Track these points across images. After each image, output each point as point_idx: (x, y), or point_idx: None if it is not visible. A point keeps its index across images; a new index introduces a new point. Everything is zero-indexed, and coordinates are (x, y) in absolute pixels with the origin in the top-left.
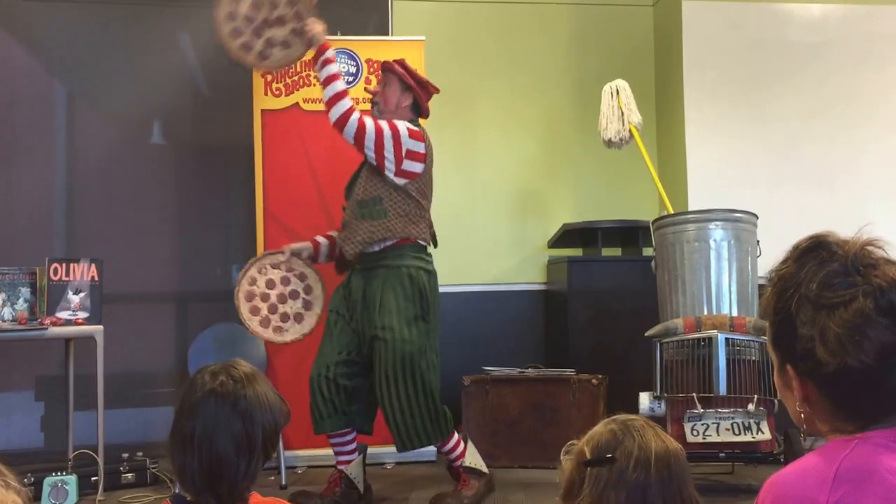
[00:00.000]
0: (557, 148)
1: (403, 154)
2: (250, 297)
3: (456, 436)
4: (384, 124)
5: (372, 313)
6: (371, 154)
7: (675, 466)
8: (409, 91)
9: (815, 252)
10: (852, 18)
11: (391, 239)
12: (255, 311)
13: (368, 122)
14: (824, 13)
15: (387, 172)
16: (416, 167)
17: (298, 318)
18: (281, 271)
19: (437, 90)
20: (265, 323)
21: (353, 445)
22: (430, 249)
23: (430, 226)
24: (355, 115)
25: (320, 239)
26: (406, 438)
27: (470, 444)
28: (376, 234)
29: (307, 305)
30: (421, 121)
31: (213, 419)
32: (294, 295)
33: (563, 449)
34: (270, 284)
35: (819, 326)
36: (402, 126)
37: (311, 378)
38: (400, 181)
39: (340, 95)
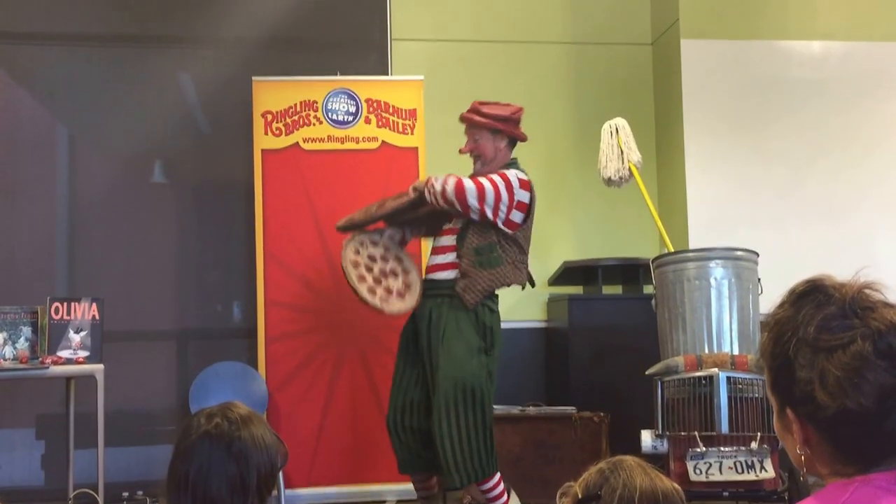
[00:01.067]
0: (557, 186)
1: (514, 204)
2: (356, 265)
3: (498, 475)
4: (494, 177)
5: (436, 340)
6: (477, 206)
7: None
8: (501, 132)
9: (811, 295)
10: (853, 55)
11: (504, 286)
12: (361, 278)
13: (468, 181)
14: (825, 50)
15: (499, 220)
16: (518, 218)
17: (400, 294)
18: (379, 249)
19: (521, 110)
20: (372, 291)
21: (430, 482)
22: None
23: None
24: (452, 179)
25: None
26: (462, 473)
27: (514, 495)
28: (495, 284)
29: (407, 285)
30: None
31: (208, 461)
32: (394, 273)
33: (560, 491)
34: (372, 258)
35: (818, 369)
36: (513, 176)
37: (387, 421)
38: (507, 231)
39: (450, 184)
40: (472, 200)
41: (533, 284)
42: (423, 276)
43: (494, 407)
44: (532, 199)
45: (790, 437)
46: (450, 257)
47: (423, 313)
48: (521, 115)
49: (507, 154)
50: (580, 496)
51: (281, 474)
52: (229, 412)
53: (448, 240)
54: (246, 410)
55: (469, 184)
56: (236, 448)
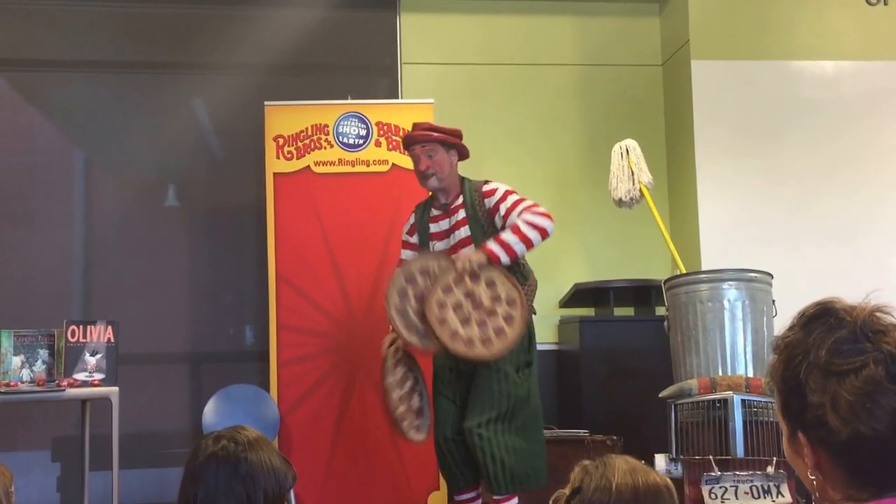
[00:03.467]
0: (568, 207)
1: None
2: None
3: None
4: (523, 198)
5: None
6: None
7: (646, 498)
8: (453, 147)
9: (822, 319)
10: (865, 74)
11: (535, 294)
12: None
13: (542, 219)
14: (837, 70)
15: None
16: None
17: (499, 332)
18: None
19: (458, 129)
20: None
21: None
22: None
23: None
24: (545, 221)
25: None
26: (517, 480)
27: None
28: (531, 296)
29: (508, 320)
30: None
31: (215, 483)
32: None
33: (553, 498)
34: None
35: (830, 394)
36: (508, 187)
37: (436, 441)
38: None
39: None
40: (551, 229)
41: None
42: None
43: None
44: None
45: (801, 462)
46: None
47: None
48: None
49: (456, 169)
50: (567, 493)
51: (293, 497)
52: (237, 435)
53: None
54: (254, 434)
55: (542, 220)
56: (243, 469)
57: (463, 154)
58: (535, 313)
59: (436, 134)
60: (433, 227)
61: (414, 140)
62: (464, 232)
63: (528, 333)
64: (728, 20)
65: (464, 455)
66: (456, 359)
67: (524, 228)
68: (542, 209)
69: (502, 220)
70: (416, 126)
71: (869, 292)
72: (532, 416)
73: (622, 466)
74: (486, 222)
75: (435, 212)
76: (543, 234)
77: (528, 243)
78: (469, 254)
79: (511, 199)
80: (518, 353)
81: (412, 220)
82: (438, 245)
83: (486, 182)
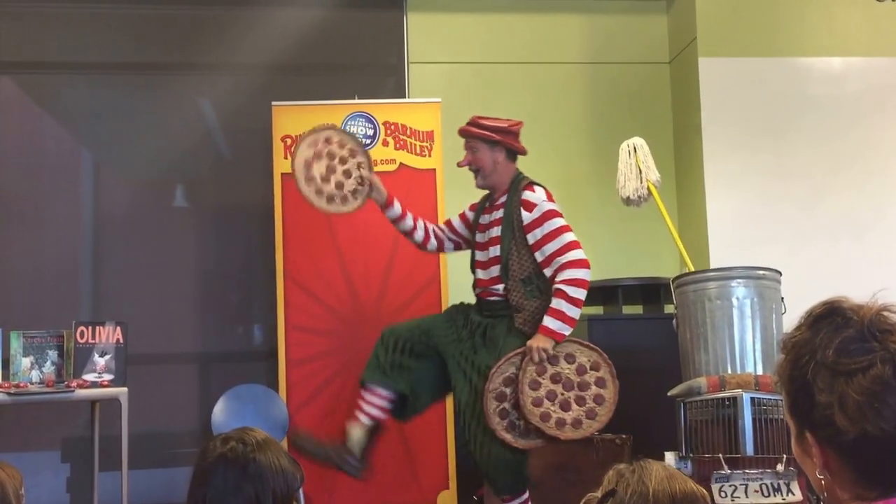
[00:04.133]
0: (576, 206)
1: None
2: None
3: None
4: (564, 233)
5: (490, 350)
6: None
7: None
8: (499, 144)
9: (829, 318)
10: (874, 70)
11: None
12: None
13: (580, 271)
14: (845, 66)
15: None
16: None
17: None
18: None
19: (520, 123)
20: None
21: (377, 411)
22: None
23: None
24: (584, 273)
25: (410, 212)
26: (511, 484)
27: None
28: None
29: (599, 382)
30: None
31: (223, 484)
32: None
33: (584, 500)
34: (331, 157)
35: (837, 393)
36: (551, 205)
37: (384, 332)
38: None
39: (573, 310)
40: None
41: None
42: (476, 293)
43: None
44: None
45: (809, 461)
46: (494, 272)
47: (477, 321)
48: (520, 129)
49: (509, 167)
50: (599, 496)
51: (301, 497)
52: (245, 436)
53: (483, 255)
54: (262, 435)
55: (582, 274)
56: (252, 470)
57: (514, 150)
58: None
59: (475, 130)
60: (482, 218)
61: (460, 134)
62: (496, 231)
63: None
64: (735, 17)
65: (403, 355)
66: (473, 329)
67: (571, 292)
68: (577, 256)
69: (542, 255)
70: (470, 120)
71: (876, 291)
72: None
73: (659, 472)
74: (518, 231)
75: (487, 203)
76: (585, 285)
77: (579, 303)
78: (536, 344)
79: (550, 227)
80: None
81: (479, 202)
82: (479, 236)
83: (530, 187)
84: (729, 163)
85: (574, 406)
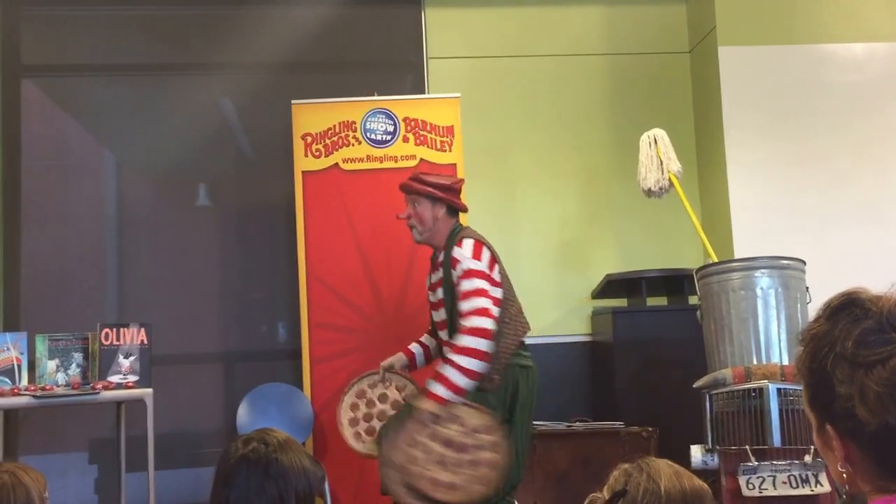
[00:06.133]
0: (597, 198)
1: (495, 278)
2: (353, 423)
3: None
4: (477, 286)
5: None
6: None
7: (693, 502)
8: (440, 201)
9: (847, 309)
10: None
11: (512, 352)
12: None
13: (481, 319)
14: (868, 51)
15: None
16: (497, 276)
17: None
18: (379, 390)
19: (461, 181)
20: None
21: None
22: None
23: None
24: (480, 342)
25: (414, 348)
26: None
27: None
28: (503, 359)
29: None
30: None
31: (246, 485)
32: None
33: (588, 500)
34: (370, 405)
35: (858, 385)
36: (469, 265)
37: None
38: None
39: (463, 380)
40: (494, 327)
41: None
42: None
43: (541, 423)
44: (493, 252)
45: (831, 454)
46: (445, 335)
47: None
48: (461, 186)
49: (448, 222)
50: (607, 497)
51: (328, 494)
52: (266, 437)
53: (437, 316)
54: (283, 435)
55: (477, 344)
56: (275, 470)
57: (453, 205)
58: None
59: (416, 185)
60: (429, 279)
61: (401, 189)
62: (441, 292)
63: (516, 381)
64: (754, 5)
65: None
66: None
67: (461, 361)
68: (478, 324)
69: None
70: (412, 175)
71: (895, 282)
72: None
73: (666, 469)
74: (455, 290)
75: (432, 262)
76: (481, 356)
77: (471, 374)
78: (422, 407)
79: (465, 286)
80: (496, 408)
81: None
82: (431, 296)
83: (459, 242)
84: (751, 152)
85: (465, 468)
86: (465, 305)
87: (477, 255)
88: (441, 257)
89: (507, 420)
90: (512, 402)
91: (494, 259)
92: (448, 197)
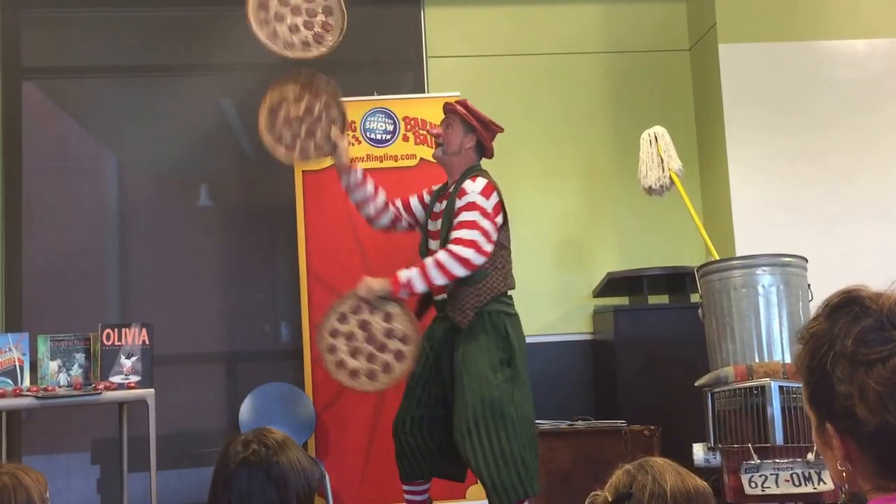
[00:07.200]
0: (598, 197)
1: (497, 222)
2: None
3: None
4: (475, 218)
5: (456, 360)
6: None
7: (698, 502)
8: (473, 132)
9: (847, 307)
10: None
11: (493, 296)
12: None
13: (468, 250)
14: (869, 48)
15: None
16: (500, 220)
17: (386, 367)
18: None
19: (500, 129)
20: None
21: (425, 497)
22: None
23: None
24: (468, 251)
25: (370, 182)
26: (501, 491)
27: None
28: (483, 299)
29: (398, 356)
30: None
31: (248, 488)
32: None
33: (588, 500)
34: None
35: (857, 384)
36: (477, 199)
37: (395, 428)
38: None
39: (444, 271)
40: (478, 260)
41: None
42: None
43: (543, 422)
44: (501, 199)
45: (830, 453)
46: None
47: (436, 336)
48: (499, 132)
49: (470, 156)
50: (610, 499)
51: (330, 494)
52: (265, 438)
53: (435, 245)
54: (281, 435)
55: (461, 253)
56: (275, 472)
57: (483, 144)
58: (510, 291)
59: (460, 108)
60: (436, 206)
61: (444, 109)
62: (440, 224)
63: (505, 326)
64: (755, 2)
65: (420, 446)
66: (438, 348)
67: (444, 257)
68: (473, 237)
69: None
70: (458, 100)
71: (894, 280)
72: (514, 420)
73: (670, 470)
74: (453, 220)
75: (441, 192)
76: (467, 264)
77: (447, 273)
78: (371, 282)
79: (467, 216)
80: (491, 350)
81: (435, 188)
82: (431, 224)
83: (473, 177)
84: (752, 149)
85: (361, 358)
86: (458, 233)
87: (486, 194)
88: (451, 189)
89: (508, 364)
90: (507, 346)
91: (501, 205)
92: (482, 132)
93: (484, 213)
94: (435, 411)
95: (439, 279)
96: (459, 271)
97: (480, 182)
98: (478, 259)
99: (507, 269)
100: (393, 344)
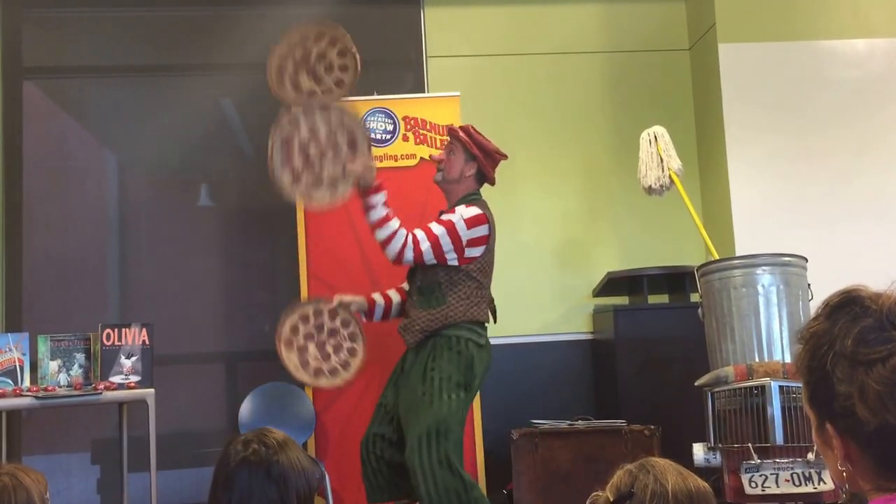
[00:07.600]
0: (598, 196)
1: (464, 245)
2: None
3: None
4: (437, 229)
5: (416, 377)
6: (434, 261)
7: (700, 502)
8: (475, 160)
9: (847, 307)
10: None
11: (450, 324)
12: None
13: (422, 239)
14: (869, 48)
15: (450, 264)
16: (477, 252)
17: (345, 365)
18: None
19: (504, 157)
20: (316, 371)
21: None
22: (490, 324)
23: (491, 301)
24: (409, 240)
25: (377, 297)
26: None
27: None
28: (434, 324)
29: (352, 352)
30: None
31: (248, 488)
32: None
33: (589, 500)
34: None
35: (857, 384)
36: (458, 218)
37: (361, 447)
38: (463, 267)
39: (387, 229)
40: (406, 254)
41: (495, 320)
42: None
43: (543, 422)
44: (490, 230)
45: (831, 453)
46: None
47: (410, 359)
48: (501, 160)
49: (471, 185)
50: (611, 499)
51: (329, 494)
52: (265, 438)
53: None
54: (281, 435)
55: (408, 237)
56: (275, 472)
57: (484, 171)
58: (493, 317)
59: (463, 135)
60: None
61: (448, 133)
62: None
63: (472, 355)
64: (754, 2)
65: (380, 465)
66: (402, 362)
67: (399, 233)
68: (418, 235)
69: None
70: (462, 126)
71: (895, 279)
72: (453, 445)
73: (671, 470)
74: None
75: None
76: (399, 248)
77: (388, 239)
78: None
79: (442, 217)
80: (451, 372)
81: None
82: None
83: (471, 204)
84: (752, 149)
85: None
86: (429, 223)
87: (471, 223)
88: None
89: (465, 388)
90: (468, 372)
91: (488, 239)
92: (483, 161)
93: (451, 231)
94: (398, 436)
95: (381, 233)
96: (391, 247)
97: (472, 210)
98: (407, 253)
99: (475, 300)
100: (347, 343)
